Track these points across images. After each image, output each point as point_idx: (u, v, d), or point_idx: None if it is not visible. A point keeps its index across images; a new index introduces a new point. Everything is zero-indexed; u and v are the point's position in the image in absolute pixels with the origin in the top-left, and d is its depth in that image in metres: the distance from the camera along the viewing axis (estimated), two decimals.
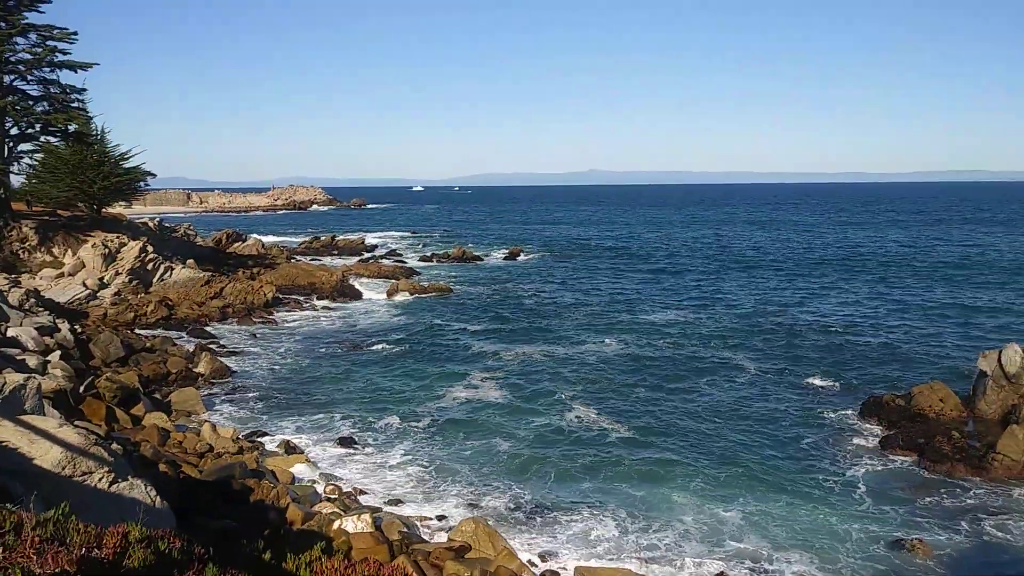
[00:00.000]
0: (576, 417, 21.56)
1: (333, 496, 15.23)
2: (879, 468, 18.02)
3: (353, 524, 12.93)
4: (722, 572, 13.16)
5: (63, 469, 9.64)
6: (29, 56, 41.09)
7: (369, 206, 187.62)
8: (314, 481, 16.28)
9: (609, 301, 41.57)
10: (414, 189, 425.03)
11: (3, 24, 39.52)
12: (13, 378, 12.25)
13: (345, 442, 19.22)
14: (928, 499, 16.26)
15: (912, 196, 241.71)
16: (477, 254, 65.71)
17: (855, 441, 19.75)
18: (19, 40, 40.44)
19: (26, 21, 40.25)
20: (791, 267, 56.01)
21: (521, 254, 67.14)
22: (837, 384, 24.71)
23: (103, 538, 4.11)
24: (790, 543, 14.28)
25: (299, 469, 16.85)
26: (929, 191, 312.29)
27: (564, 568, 13.23)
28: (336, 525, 12.93)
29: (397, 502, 15.71)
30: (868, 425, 20.80)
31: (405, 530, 13.61)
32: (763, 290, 44.95)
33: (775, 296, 42.64)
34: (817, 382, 24.98)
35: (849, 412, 21.83)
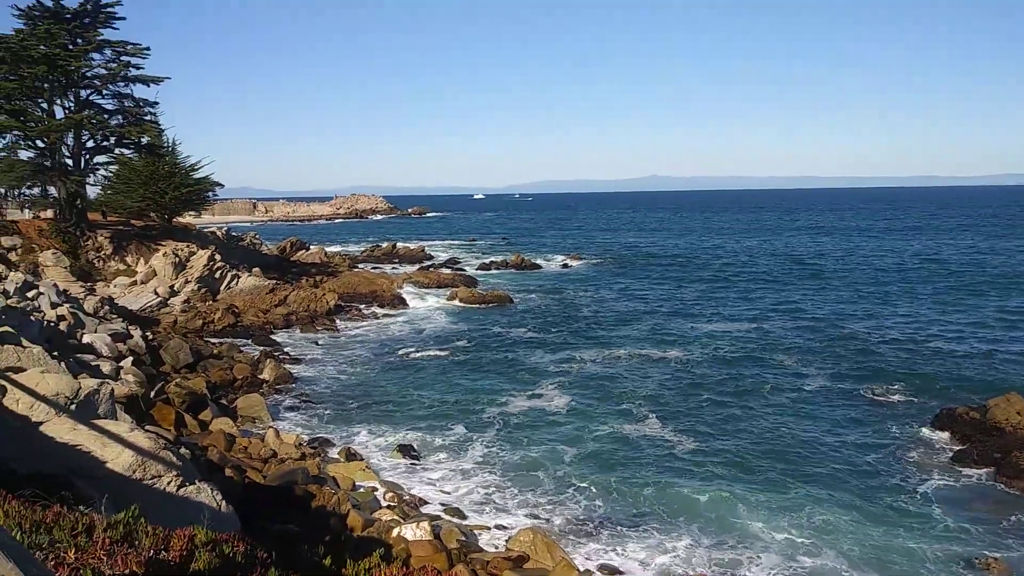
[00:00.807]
0: (639, 427, 21.30)
1: (393, 503, 15.35)
2: (953, 483, 17.36)
3: (412, 532, 13.01)
4: None
5: (134, 472, 9.93)
6: (104, 71, 42.75)
7: (429, 214, 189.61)
8: (374, 488, 16.41)
9: (670, 310, 41.08)
10: (475, 197, 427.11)
11: (80, 40, 41.19)
12: (88, 383, 12.67)
13: (406, 450, 19.35)
14: (1004, 516, 15.59)
15: (986, 200, 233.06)
16: (536, 262, 65.74)
17: (928, 455, 19.05)
18: (95, 56, 42.12)
19: (101, 38, 41.89)
20: (859, 275, 54.47)
21: (580, 262, 66.97)
22: (908, 396, 23.90)
23: (170, 541, 4.20)
24: (863, 560, 13.85)
25: (360, 476, 17.02)
26: (1004, 195, 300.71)
27: None
28: (395, 532, 13.02)
29: (457, 510, 15.73)
30: (941, 439, 20.06)
31: (464, 539, 13.63)
32: (830, 299, 43.78)
33: (843, 305, 41.50)
34: (887, 394, 24.19)
35: (921, 425, 21.09)
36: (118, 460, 9.99)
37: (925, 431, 20.66)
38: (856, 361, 28.42)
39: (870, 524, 15.27)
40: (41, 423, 10.64)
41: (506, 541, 13.95)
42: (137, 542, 4.06)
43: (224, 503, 10.43)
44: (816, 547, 14.36)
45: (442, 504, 16.05)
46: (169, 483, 10.11)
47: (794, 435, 20.56)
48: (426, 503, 16.10)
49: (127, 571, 3.50)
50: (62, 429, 10.44)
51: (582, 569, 12.92)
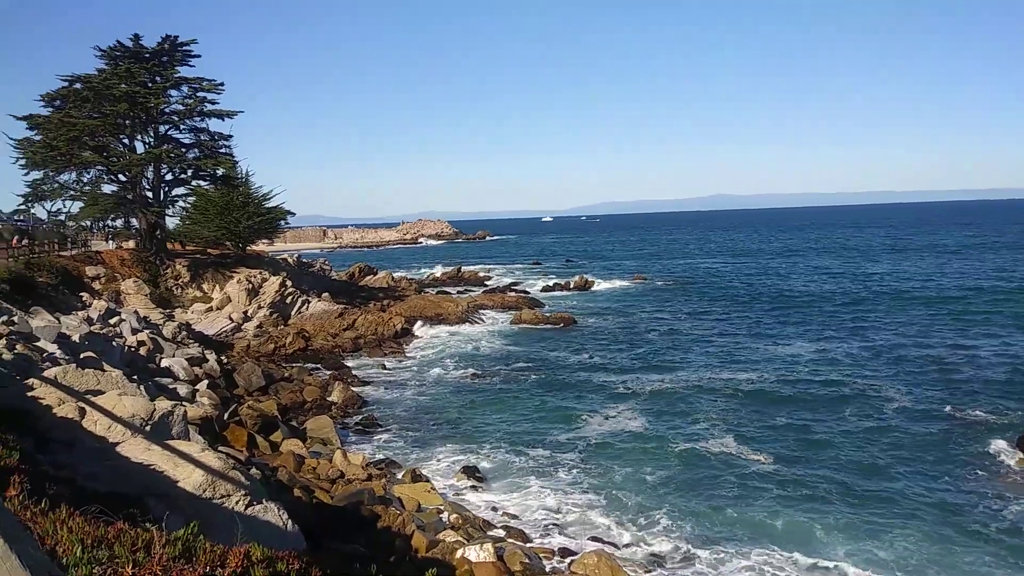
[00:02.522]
0: (711, 452, 20.74)
1: (457, 525, 15.33)
2: None
3: (476, 553, 12.95)
4: None
5: (204, 491, 10.18)
6: (181, 107, 44.63)
7: (494, 237, 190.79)
8: (439, 509, 16.44)
9: (738, 332, 40.19)
10: (543, 220, 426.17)
11: (159, 78, 43.10)
12: (162, 405, 13.12)
13: (471, 472, 19.35)
14: None
15: None
16: (600, 284, 65.39)
17: (1012, 477, 18.12)
18: (172, 92, 44.02)
19: (178, 75, 43.77)
20: (936, 294, 52.20)
21: (644, 283, 66.34)
22: (989, 417, 22.75)
23: (227, 557, 4.29)
24: None
25: (425, 497, 17.08)
26: None
27: None
28: (459, 554, 12.99)
29: (521, 533, 15.63)
30: None
31: (527, 561, 13.50)
32: (906, 320, 42.14)
33: (919, 326, 39.92)
34: (968, 414, 23.12)
35: (1004, 445, 20.06)
36: (189, 479, 10.26)
37: (1008, 453, 19.64)
38: (935, 382, 27.30)
39: (952, 551, 14.55)
40: (118, 443, 11.02)
41: (569, 564, 13.78)
42: (195, 558, 4.16)
43: (290, 522, 10.58)
44: (900, 574, 13.76)
45: (506, 527, 15.96)
46: (238, 502, 10.32)
47: (873, 457, 19.81)
48: (491, 525, 16.02)
49: None
50: (137, 449, 10.79)
51: None
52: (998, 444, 20.34)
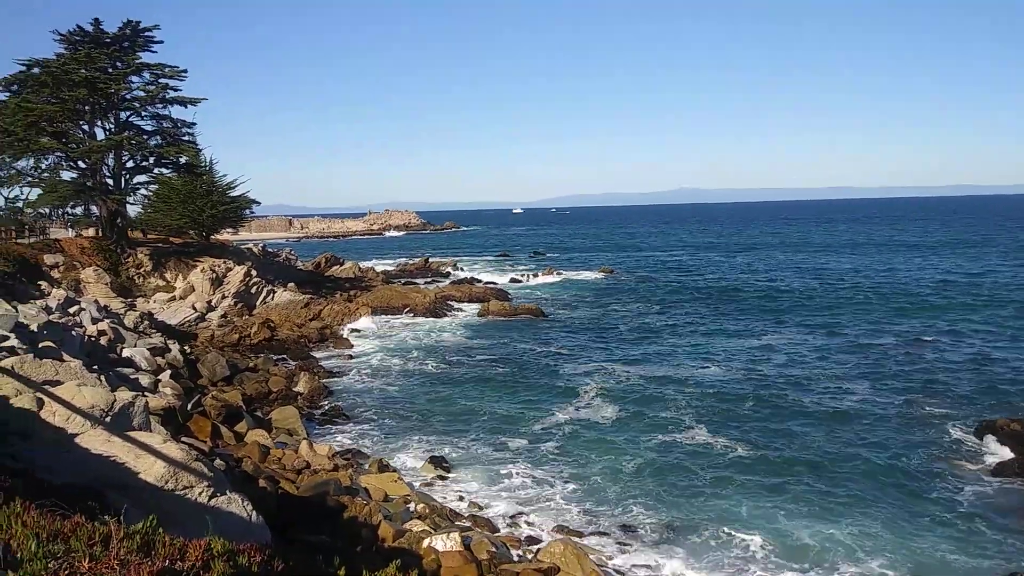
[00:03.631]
0: (683, 439, 21.07)
1: (424, 514, 15.30)
2: (993, 495, 16.94)
3: (443, 543, 12.95)
4: None
5: (166, 483, 10.02)
6: (143, 93, 43.76)
7: (462, 229, 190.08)
8: (406, 499, 16.40)
9: (704, 324, 40.56)
10: (514, 212, 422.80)
11: (119, 64, 42.22)
12: (123, 396, 12.86)
13: (438, 462, 19.33)
14: None
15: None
16: (568, 276, 65.57)
17: (968, 467, 18.58)
18: (134, 79, 43.17)
19: (140, 61, 42.92)
20: (897, 290, 53.20)
21: (611, 276, 66.63)
22: (949, 409, 23.28)
23: (187, 551, 4.22)
24: (904, 570, 13.56)
25: (392, 487, 17.01)
26: None
27: None
28: (426, 543, 12.98)
29: (488, 522, 15.66)
30: (981, 450, 19.58)
31: (494, 550, 13.53)
32: (867, 315, 42.82)
33: (880, 321, 40.58)
34: (928, 406, 23.61)
35: (962, 437, 20.58)
36: (150, 471, 10.09)
37: (965, 443, 20.16)
38: (895, 375, 27.83)
39: (911, 534, 14.95)
40: (76, 435, 10.80)
41: (536, 553, 13.83)
42: (153, 552, 4.08)
43: (255, 513, 10.47)
44: (859, 557, 14.11)
45: (473, 517, 15.97)
46: (200, 493, 10.19)
47: (836, 446, 20.20)
48: (458, 515, 16.03)
49: None
50: (97, 441, 10.58)
51: None
52: (956, 433, 20.85)
